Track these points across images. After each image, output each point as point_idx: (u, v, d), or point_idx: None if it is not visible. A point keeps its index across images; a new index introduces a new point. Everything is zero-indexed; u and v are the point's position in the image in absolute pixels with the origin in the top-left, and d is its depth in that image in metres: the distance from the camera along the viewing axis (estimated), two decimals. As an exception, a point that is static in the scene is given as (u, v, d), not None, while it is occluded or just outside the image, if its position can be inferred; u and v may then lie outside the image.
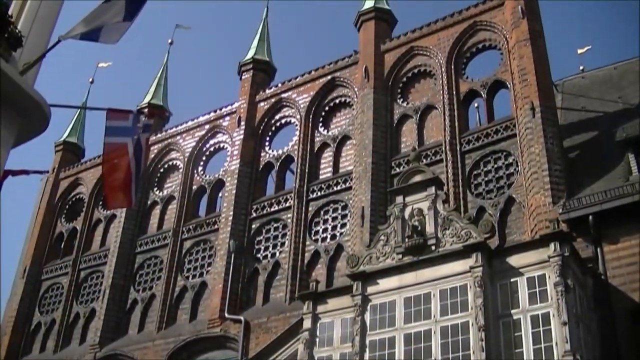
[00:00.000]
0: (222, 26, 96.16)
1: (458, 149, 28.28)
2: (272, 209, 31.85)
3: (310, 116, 33.37)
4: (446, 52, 30.78)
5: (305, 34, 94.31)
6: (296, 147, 32.97)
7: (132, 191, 14.36)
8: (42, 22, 11.95)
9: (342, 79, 33.36)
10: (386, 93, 31.56)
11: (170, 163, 37.36)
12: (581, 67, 36.19)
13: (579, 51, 37.77)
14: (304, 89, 34.24)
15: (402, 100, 31.41)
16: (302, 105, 33.73)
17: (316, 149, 32.62)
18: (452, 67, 30.51)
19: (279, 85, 35.58)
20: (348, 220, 29.35)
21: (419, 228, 21.93)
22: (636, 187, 22.42)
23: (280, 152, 33.65)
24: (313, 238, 29.97)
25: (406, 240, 21.97)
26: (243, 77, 36.85)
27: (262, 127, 34.80)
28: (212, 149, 36.50)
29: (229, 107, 36.30)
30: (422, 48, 31.80)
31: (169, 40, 43.02)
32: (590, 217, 22.45)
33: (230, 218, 31.99)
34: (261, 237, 31.56)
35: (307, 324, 22.75)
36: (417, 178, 23.29)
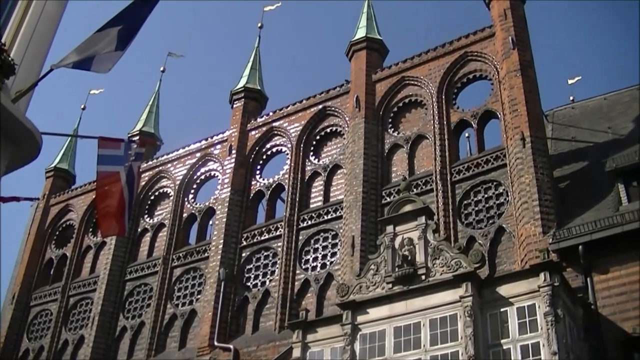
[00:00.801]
0: (214, 55, 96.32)
1: (448, 178, 28.34)
2: (263, 238, 31.83)
3: (301, 145, 33.42)
4: (437, 82, 30.90)
5: (298, 62, 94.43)
6: (287, 175, 33.00)
7: (125, 219, 14.38)
8: (35, 50, 11.99)
9: (333, 108, 33.45)
10: (377, 122, 31.65)
11: (161, 190, 37.35)
12: (571, 98, 36.37)
13: (569, 82, 38.00)
14: (295, 118, 34.32)
15: (392, 129, 31.49)
16: (293, 134, 33.79)
17: (307, 177, 32.64)
18: (443, 97, 30.62)
19: (270, 113, 35.67)
20: (338, 249, 29.34)
21: (409, 257, 21.95)
22: (626, 217, 22.49)
23: (271, 180, 33.68)
24: (303, 267, 29.94)
25: (396, 269, 21.98)
26: (234, 106, 36.94)
27: (253, 156, 34.83)
28: (203, 177, 36.52)
29: (220, 136, 36.35)
30: (413, 78, 31.93)
31: (161, 68, 43.15)
32: (580, 247, 22.50)
33: (221, 246, 31.96)
34: (251, 266, 31.51)
35: (296, 352, 22.72)
36: (408, 208, 23.33)
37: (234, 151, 34.67)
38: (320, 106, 33.79)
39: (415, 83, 31.82)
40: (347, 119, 32.34)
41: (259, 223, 33.09)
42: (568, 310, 20.22)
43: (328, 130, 33.39)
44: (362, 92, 32.33)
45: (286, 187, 32.66)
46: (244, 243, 32.18)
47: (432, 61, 31.79)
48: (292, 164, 33.01)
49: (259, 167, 34.69)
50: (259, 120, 35.72)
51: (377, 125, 31.53)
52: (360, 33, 34.69)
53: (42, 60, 12.33)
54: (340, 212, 30.12)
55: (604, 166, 26.01)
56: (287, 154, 33.80)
